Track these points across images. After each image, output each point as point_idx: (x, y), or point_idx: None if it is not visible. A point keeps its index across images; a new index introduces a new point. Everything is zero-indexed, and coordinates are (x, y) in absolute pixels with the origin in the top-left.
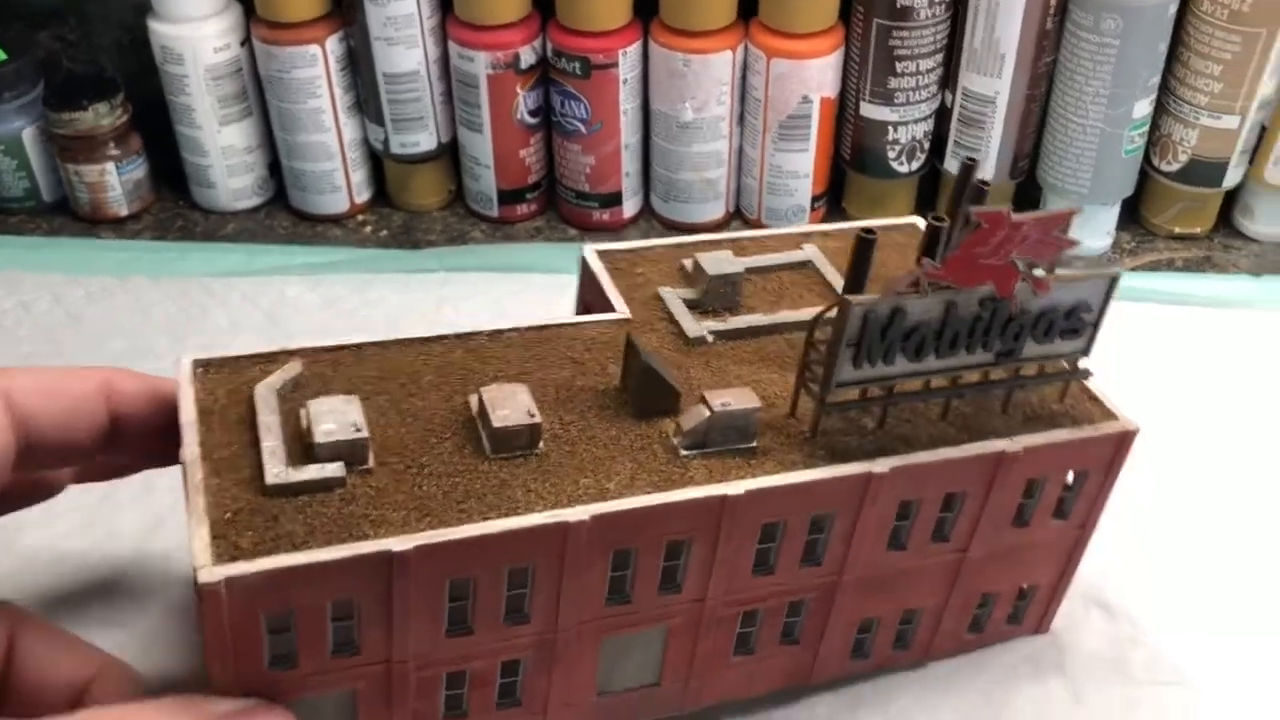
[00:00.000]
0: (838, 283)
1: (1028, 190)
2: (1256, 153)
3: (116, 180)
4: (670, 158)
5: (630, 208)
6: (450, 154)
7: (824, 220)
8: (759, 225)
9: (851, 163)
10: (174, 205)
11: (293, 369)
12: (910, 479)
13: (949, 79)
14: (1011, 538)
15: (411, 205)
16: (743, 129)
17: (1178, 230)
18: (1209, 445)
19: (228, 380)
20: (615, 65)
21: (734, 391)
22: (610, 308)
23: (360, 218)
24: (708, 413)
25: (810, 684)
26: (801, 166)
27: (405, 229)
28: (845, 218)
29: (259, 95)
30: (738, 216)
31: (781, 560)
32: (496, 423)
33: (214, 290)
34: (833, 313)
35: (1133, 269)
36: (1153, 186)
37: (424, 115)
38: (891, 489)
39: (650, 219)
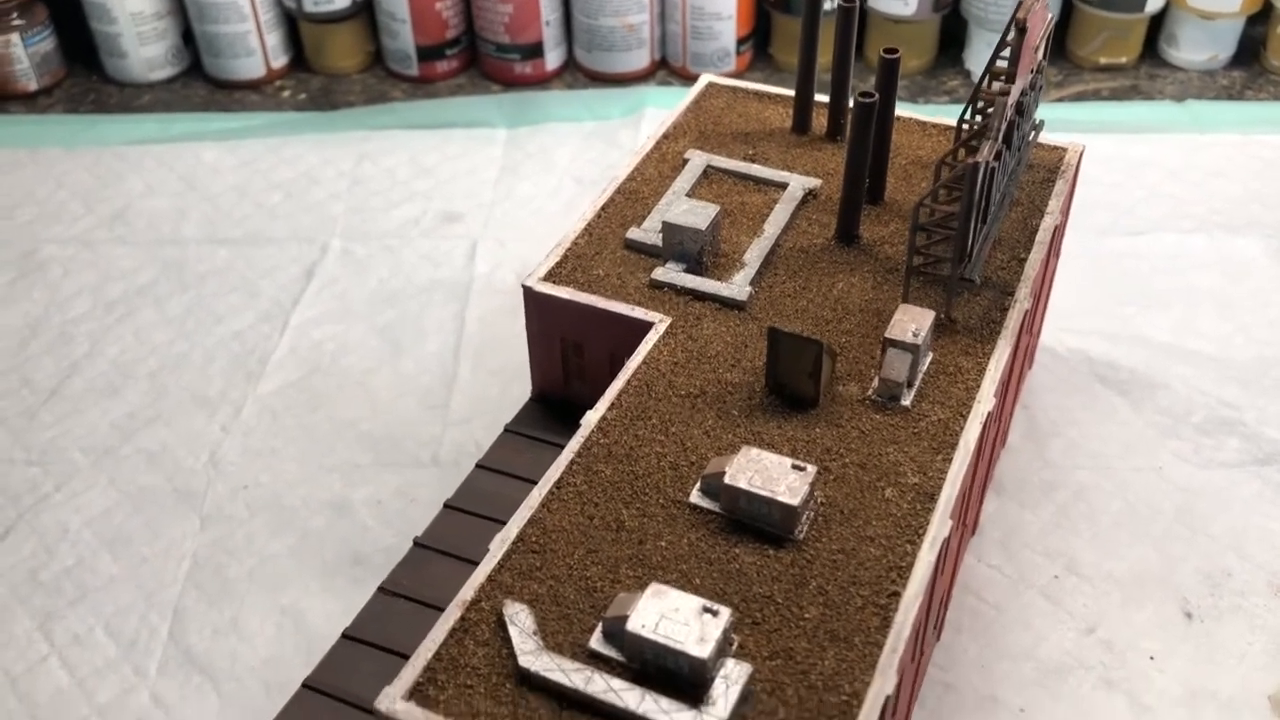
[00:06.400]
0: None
1: (950, 24)
2: None
3: (23, 52)
4: (591, 3)
5: (553, 60)
6: (367, 13)
7: (750, 66)
8: (685, 74)
9: (775, 3)
10: (86, 79)
11: None
12: (1031, 293)
13: None
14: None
15: (330, 68)
16: None
17: (1103, 61)
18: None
19: None
20: None
21: (906, 319)
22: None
23: (278, 83)
24: (909, 356)
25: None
26: (724, 8)
27: (324, 93)
28: (772, 64)
29: None
30: (663, 66)
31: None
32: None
33: (128, 158)
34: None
35: (1059, 100)
36: (1078, 18)
37: None
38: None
39: (574, 71)
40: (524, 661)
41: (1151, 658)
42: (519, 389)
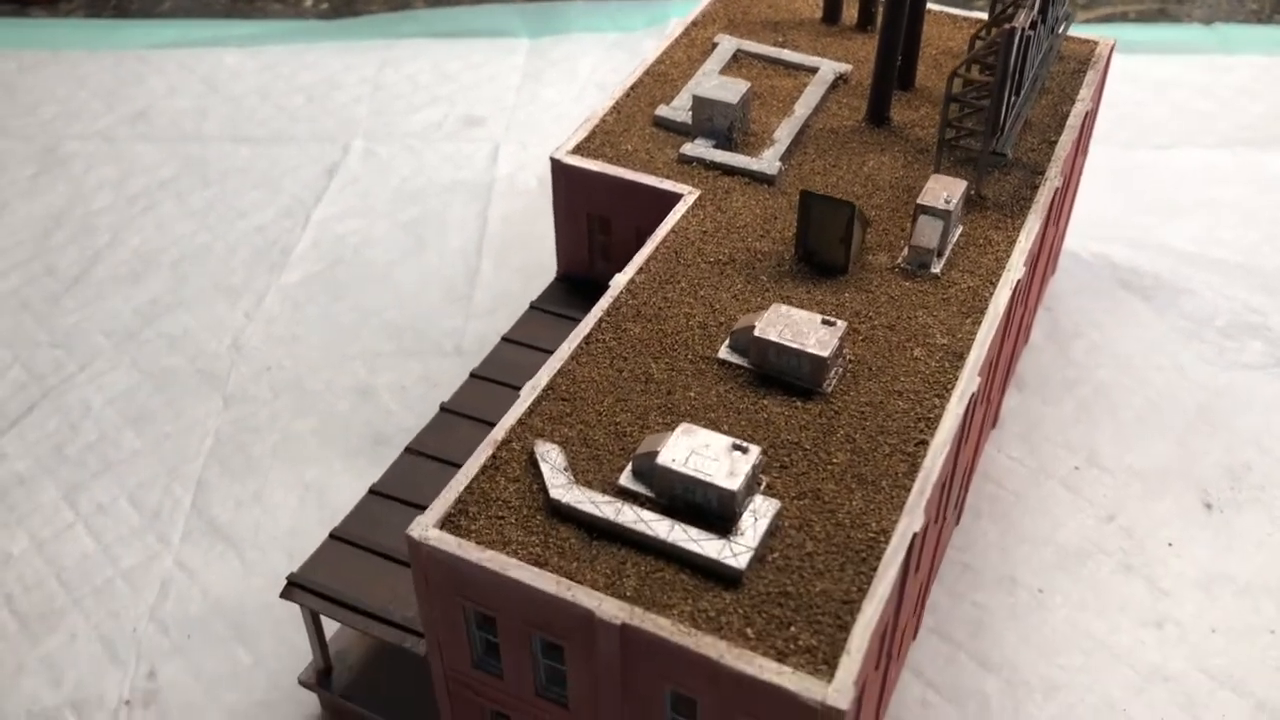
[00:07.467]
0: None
1: None
2: None
3: None
4: None
5: None
6: None
7: None
8: None
9: None
10: None
11: None
12: (1062, 173)
13: None
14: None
15: None
16: None
17: None
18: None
19: None
20: None
21: (938, 187)
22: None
23: None
24: (940, 223)
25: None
26: None
27: (346, 2)
28: None
29: None
30: None
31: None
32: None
33: (150, 60)
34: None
35: (1086, 22)
36: None
37: None
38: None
39: None
40: (555, 494)
41: (1170, 544)
42: (542, 284)
